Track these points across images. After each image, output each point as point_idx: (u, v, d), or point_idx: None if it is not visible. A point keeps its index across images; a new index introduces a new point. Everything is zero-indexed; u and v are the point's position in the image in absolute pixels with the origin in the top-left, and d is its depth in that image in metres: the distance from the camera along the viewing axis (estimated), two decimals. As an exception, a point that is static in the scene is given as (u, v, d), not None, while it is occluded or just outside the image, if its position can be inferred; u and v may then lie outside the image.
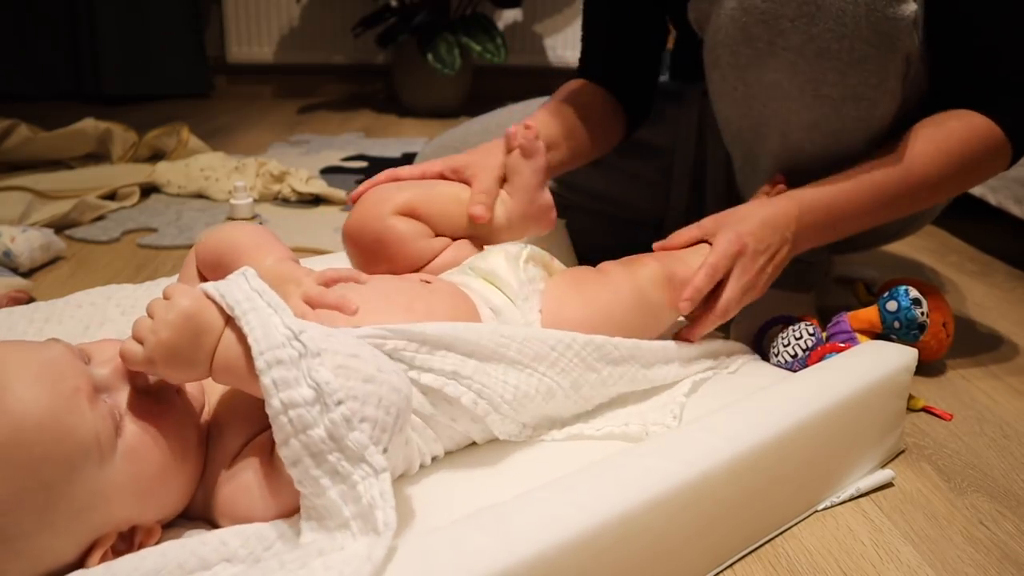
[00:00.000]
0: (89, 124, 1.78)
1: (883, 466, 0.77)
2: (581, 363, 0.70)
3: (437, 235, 0.82)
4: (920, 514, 0.70)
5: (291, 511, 0.53)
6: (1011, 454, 0.81)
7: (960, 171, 0.87)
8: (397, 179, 0.86)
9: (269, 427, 0.49)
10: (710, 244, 0.83)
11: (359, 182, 1.76)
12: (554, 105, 1.03)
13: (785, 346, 0.88)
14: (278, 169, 1.63)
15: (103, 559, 0.49)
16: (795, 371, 0.81)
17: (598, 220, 1.21)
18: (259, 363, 0.49)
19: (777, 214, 0.83)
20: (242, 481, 0.54)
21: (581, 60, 1.14)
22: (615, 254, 0.85)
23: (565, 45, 3.05)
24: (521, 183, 0.86)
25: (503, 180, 0.87)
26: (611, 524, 0.52)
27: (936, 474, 0.77)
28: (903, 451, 0.80)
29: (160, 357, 0.50)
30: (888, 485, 0.74)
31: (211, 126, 2.41)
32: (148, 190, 1.64)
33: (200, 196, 1.63)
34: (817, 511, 0.70)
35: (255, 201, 1.50)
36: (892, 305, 0.86)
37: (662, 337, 0.81)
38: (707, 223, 0.85)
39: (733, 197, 1.06)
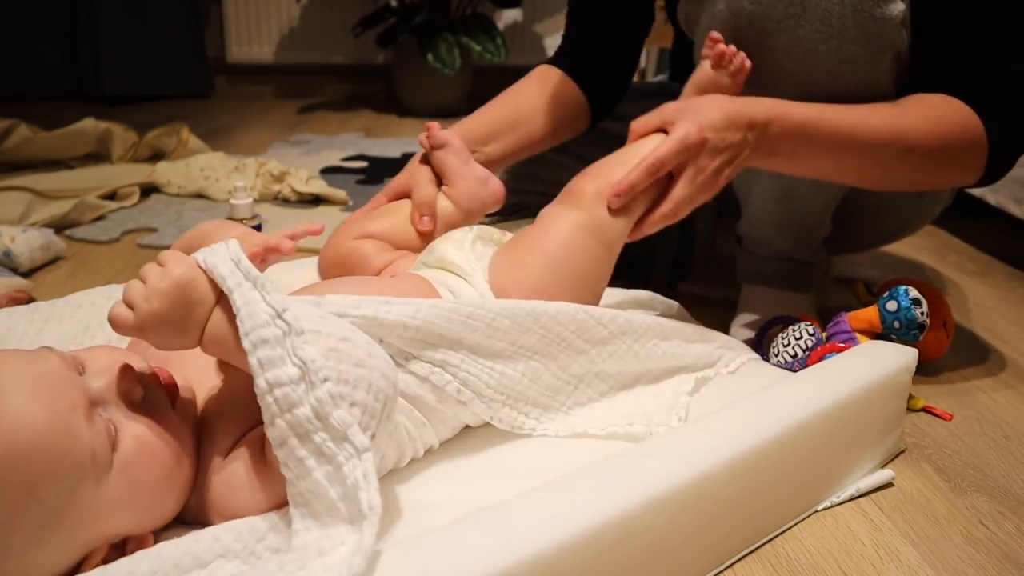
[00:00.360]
0: (89, 124, 1.78)
1: (883, 466, 0.77)
2: (561, 340, 0.68)
3: (398, 249, 0.87)
4: (920, 514, 0.70)
5: (282, 503, 0.52)
6: (1011, 454, 0.81)
7: (941, 148, 0.82)
8: (354, 219, 0.93)
9: (257, 424, 0.49)
10: (667, 134, 0.77)
11: (359, 182, 1.78)
12: (502, 97, 1.07)
13: (785, 346, 0.88)
14: (278, 169, 1.63)
15: (96, 567, 0.49)
16: (795, 371, 0.81)
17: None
18: (246, 344, 0.49)
19: (745, 111, 0.77)
20: (233, 477, 0.54)
21: (559, 47, 1.16)
22: None
23: (565, 45, 3.05)
24: (451, 170, 0.91)
25: (438, 180, 0.92)
26: (611, 524, 0.52)
27: (936, 474, 0.77)
28: (903, 451, 0.80)
29: (150, 325, 0.50)
30: (888, 485, 0.74)
31: (211, 126, 2.41)
32: (148, 190, 1.64)
33: (200, 196, 1.63)
34: (817, 511, 0.70)
35: (255, 201, 1.49)
36: (892, 305, 0.86)
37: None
38: (668, 109, 0.79)
39: (728, 197, 1.06)
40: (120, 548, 0.51)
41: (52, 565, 0.48)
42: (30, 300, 0.98)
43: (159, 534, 0.54)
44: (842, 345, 0.84)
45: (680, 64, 1.28)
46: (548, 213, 0.78)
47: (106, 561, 0.49)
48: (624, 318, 0.73)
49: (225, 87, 3.06)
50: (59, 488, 0.47)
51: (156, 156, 1.83)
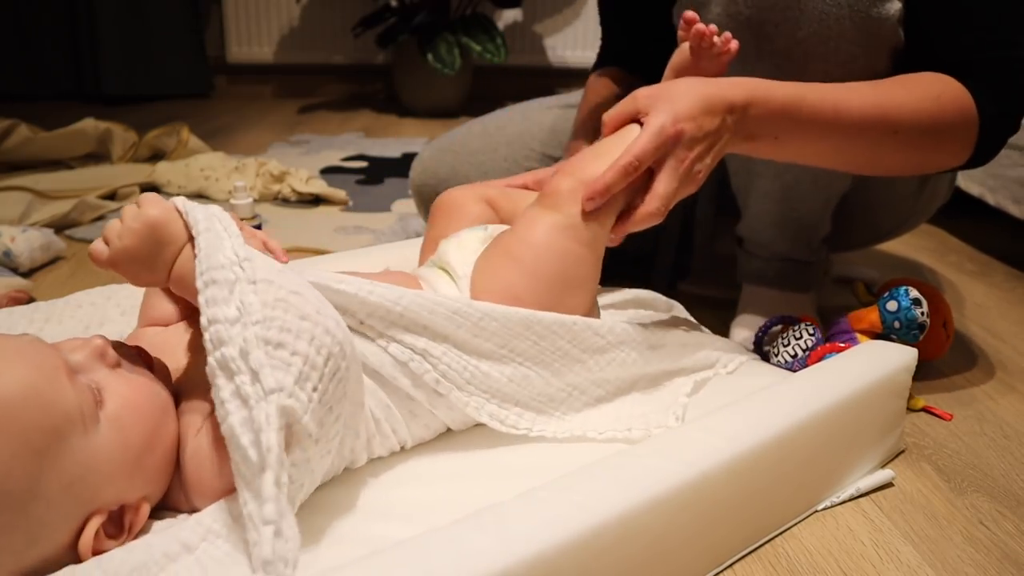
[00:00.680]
0: (89, 124, 1.78)
1: (883, 466, 0.77)
2: (556, 349, 0.68)
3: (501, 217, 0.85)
4: (920, 514, 0.70)
5: None
6: (1011, 454, 0.81)
7: (931, 124, 0.79)
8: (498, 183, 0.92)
9: None
10: (642, 125, 0.72)
11: (359, 182, 1.78)
12: (586, 108, 1.07)
13: (785, 346, 0.88)
14: (278, 169, 1.63)
15: (96, 539, 0.50)
16: (795, 371, 0.81)
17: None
18: (199, 283, 0.52)
19: (723, 95, 0.73)
20: (200, 451, 0.55)
21: (601, 51, 1.18)
22: (612, 252, 0.85)
23: (565, 45, 3.05)
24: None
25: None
26: (611, 524, 0.52)
27: (936, 474, 0.77)
28: (903, 451, 0.80)
29: (121, 260, 0.55)
30: (888, 485, 0.74)
31: (211, 126, 2.41)
32: (148, 190, 1.64)
33: (200, 196, 1.63)
34: (817, 511, 0.70)
35: (255, 201, 1.50)
36: (892, 305, 0.86)
37: None
38: (641, 96, 0.74)
39: (725, 198, 1.06)
40: (119, 521, 0.53)
41: (53, 523, 0.49)
42: (30, 300, 0.98)
43: (150, 523, 0.55)
44: (842, 345, 0.84)
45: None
46: (525, 215, 0.73)
47: (106, 532, 0.52)
48: (622, 328, 0.73)
49: (225, 87, 3.06)
50: (52, 437, 0.48)
51: (156, 156, 1.83)
